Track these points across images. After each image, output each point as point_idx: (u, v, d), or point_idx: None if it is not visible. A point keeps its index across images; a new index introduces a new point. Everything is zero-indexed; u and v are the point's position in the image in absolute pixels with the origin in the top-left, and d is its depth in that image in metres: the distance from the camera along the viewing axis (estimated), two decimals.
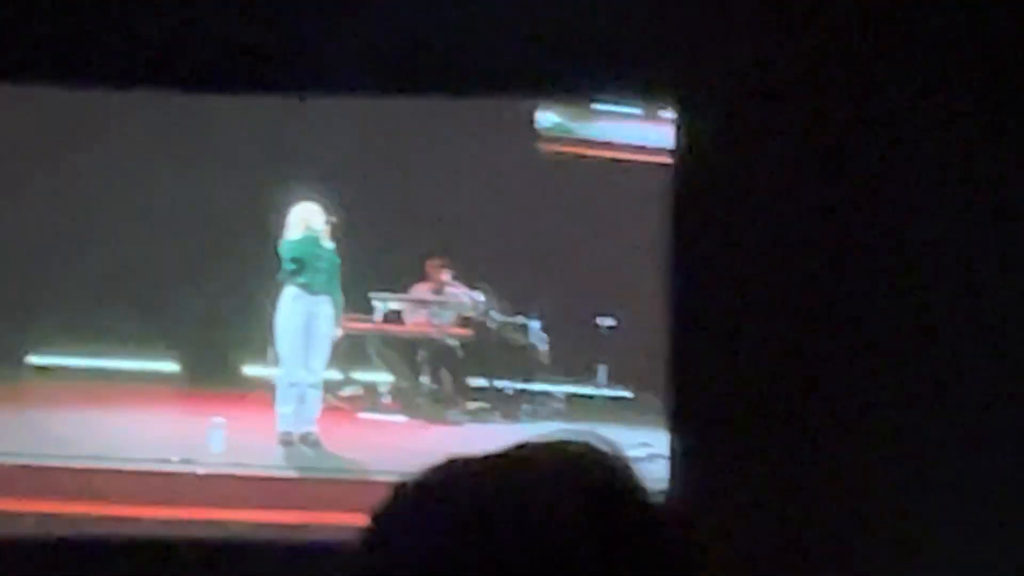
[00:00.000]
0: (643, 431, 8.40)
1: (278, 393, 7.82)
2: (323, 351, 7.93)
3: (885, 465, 3.91)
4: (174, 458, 6.81)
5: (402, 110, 9.51)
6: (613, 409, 10.01)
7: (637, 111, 11.57)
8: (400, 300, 10.10)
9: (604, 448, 0.93)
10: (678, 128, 4.20)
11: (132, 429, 7.95)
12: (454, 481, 0.90)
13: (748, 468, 3.95)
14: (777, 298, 4.01)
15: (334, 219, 8.08)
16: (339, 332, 8.17)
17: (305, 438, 7.71)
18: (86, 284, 10.24)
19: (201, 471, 6.67)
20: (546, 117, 11.50)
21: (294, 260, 7.83)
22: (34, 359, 10.54)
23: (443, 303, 10.09)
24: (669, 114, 11.11)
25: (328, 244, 8.03)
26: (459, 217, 10.42)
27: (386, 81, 4.56)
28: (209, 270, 10.63)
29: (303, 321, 7.81)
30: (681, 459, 3.94)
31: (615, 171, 11.10)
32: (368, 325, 9.59)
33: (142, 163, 10.42)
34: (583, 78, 4.74)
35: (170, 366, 10.83)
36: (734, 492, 3.86)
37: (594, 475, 0.90)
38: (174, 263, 10.60)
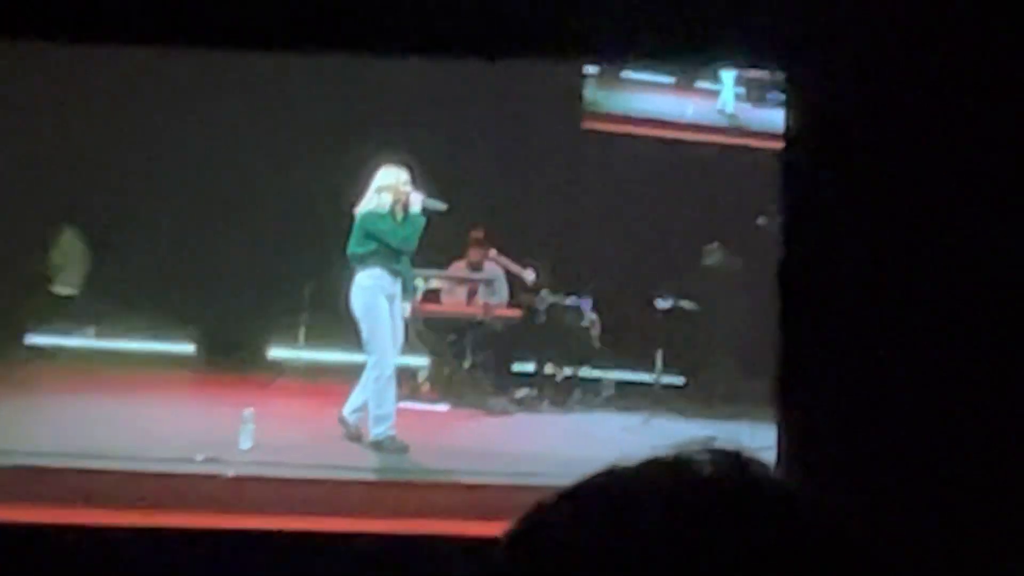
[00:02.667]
0: (700, 422, 7.95)
1: (363, 385, 7.18)
2: (400, 337, 7.40)
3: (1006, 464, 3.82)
4: (198, 456, 6.09)
5: (444, 74, 8.96)
6: (668, 398, 9.29)
7: (668, 80, 11.17)
8: (439, 277, 9.36)
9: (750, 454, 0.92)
10: (786, 94, 4.08)
11: (145, 421, 7.28)
12: (622, 490, 0.87)
13: (854, 464, 3.93)
14: (891, 286, 3.85)
15: (435, 201, 7.47)
16: (408, 313, 7.61)
17: (357, 433, 7.17)
18: (91, 254, 9.50)
19: (231, 472, 5.83)
20: (589, 88, 10.97)
21: (383, 239, 7.21)
22: (33, 339, 9.70)
23: (485, 280, 9.32)
24: (706, 84, 10.87)
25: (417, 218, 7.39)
26: (506, 190, 9.93)
27: (427, 42, 4.35)
28: (232, 238, 9.93)
29: (388, 304, 7.24)
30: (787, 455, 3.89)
31: (663, 146, 10.62)
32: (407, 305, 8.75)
33: (176, 120, 9.66)
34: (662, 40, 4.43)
35: (183, 348, 10.08)
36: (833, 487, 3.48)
37: (765, 483, 0.89)
38: (191, 231, 9.88)
